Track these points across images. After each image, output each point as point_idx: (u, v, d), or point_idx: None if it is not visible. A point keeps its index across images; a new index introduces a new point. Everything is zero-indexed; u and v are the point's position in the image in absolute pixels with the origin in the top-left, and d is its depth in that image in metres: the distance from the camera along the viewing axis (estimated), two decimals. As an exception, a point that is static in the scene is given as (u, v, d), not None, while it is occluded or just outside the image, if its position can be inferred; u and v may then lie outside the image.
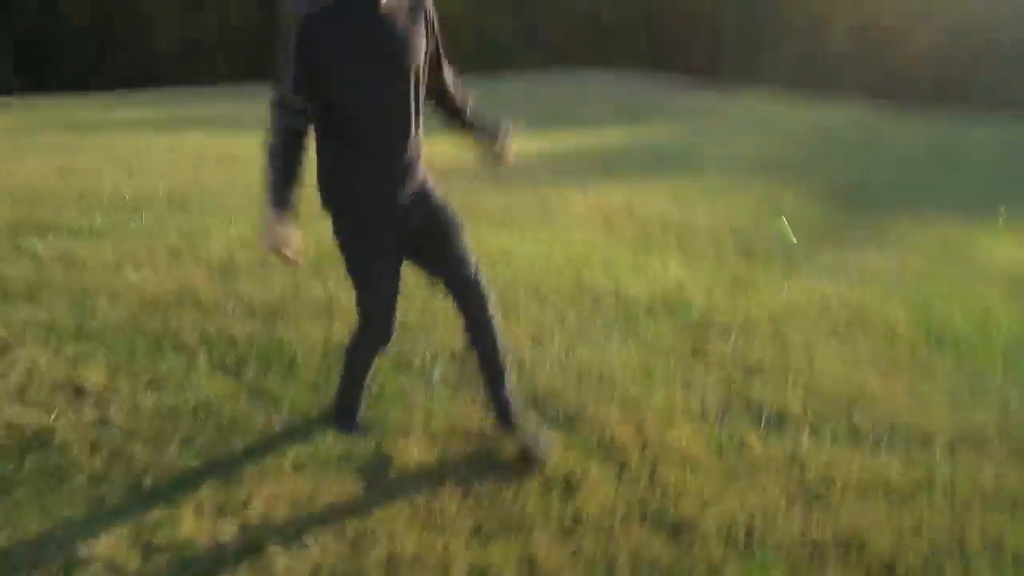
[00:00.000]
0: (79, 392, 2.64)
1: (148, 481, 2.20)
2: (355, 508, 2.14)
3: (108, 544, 1.91)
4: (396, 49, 1.97)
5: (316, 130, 2.03)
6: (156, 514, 2.04)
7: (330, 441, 2.44)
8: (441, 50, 2.16)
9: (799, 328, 3.90)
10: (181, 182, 6.75)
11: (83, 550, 1.88)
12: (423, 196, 2.16)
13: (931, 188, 8.53)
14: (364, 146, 2.03)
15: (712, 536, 2.15)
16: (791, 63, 36.75)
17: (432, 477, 2.32)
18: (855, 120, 16.22)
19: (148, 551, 1.91)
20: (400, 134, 2.05)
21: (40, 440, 2.36)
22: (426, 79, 2.09)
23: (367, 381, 2.48)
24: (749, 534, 2.18)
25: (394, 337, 2.31)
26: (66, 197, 5.90)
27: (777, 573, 2.04)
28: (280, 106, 1.92)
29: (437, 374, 2.98)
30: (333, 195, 2.11)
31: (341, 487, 2.22)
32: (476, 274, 2.24)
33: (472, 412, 2.67)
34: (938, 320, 4.15)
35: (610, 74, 27.97)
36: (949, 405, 3.12)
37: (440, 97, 2.24)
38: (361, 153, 2.03)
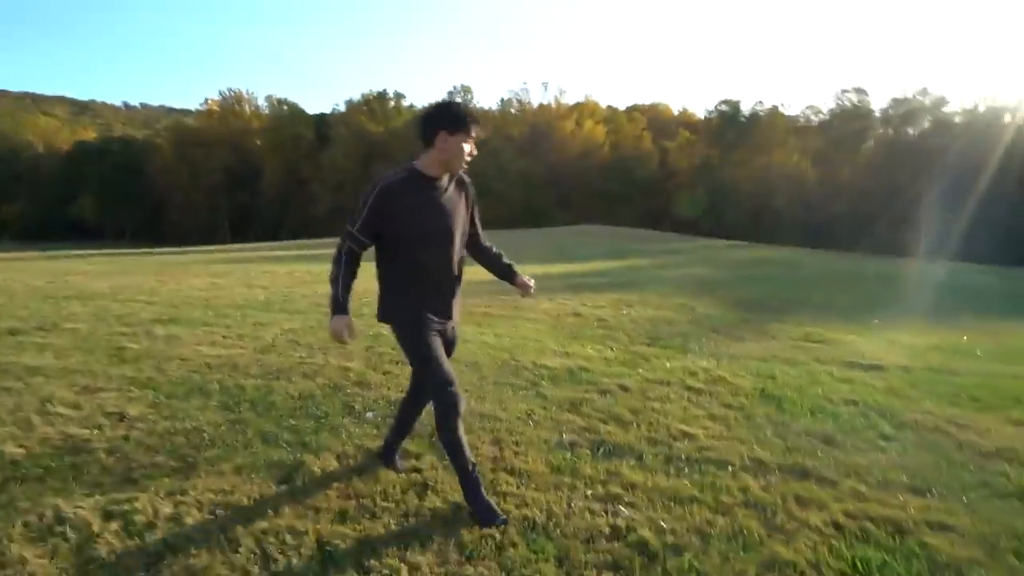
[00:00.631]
0: (121, 418, 2.83)
1: (135, 475, 2.32)
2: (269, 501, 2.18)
3: (84, 510, 2.03)
4: (445, 213, 2.04)
5: (380, 264, 2.07)
6: (122, 496, 2.14)
7: (256, 450, 2.51)
8: (477, 218, 2.23)
9: (664, 390, 3.80)
10: (277, 293, 7.24)
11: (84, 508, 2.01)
12: (453, 321, 2.23)
13: (817, 302, 8.27)
14: (420, 278, 2.05)
15: (515, 524, 2.09)
16: (746, 219, 37.27)
17: (324, 480, 2.35)
18: (780, 257, 16.10)
19: (131, 525, 2.00)
20: (449, 276, 2.12)
21: (83, 447, 2.53)
22: (465, 237, 2.17)
23: (468, 454, 2.12)
24: (544, 525, 2.10)
25: (464, 400, 2.12)
26: (199, 302, 6.40)
27: (550, 550, 1.95)
28: (349, 236, 1.98)
29: (370, 415, 3.03)
30: (392, 311, 2.09)
31: (255, 488, 2.28)
32: None
33: (379, 440, 2.71)
34: (772, 385, 3.98)
35: (612, 228, 28.86)
36: (751, 442, 2.96)
37: (478, 251, 2.32)
38: (418, 282, 2.04)
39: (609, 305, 7.17)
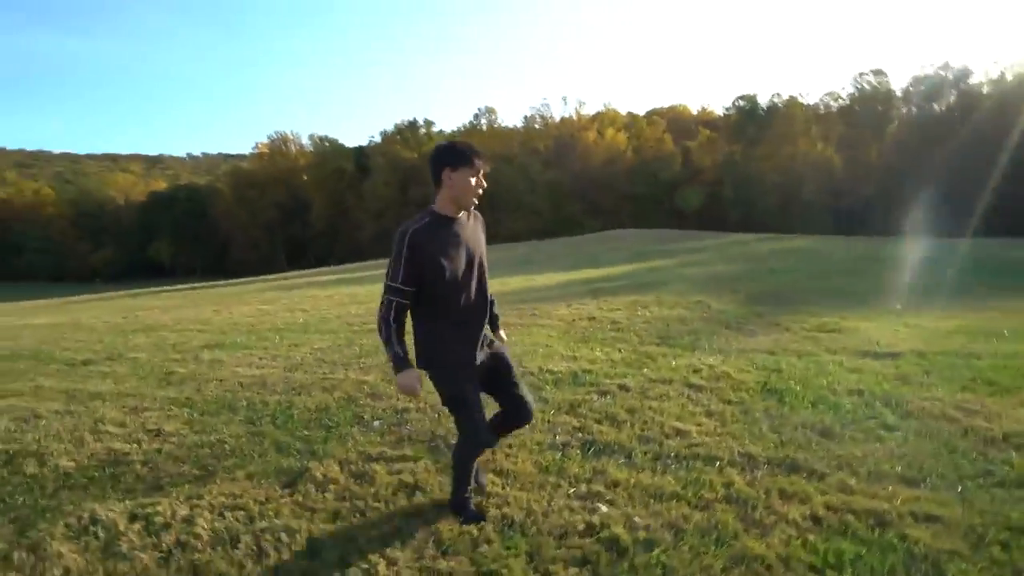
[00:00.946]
0: (158, 434, 3.05)
1: (163, 482, 2.51)
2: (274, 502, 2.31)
3: (114, 513, 2.21)
4: (470, 249, 2.01)
5: (413, 311, 2.01)
6: (148, 500, 2.32)
7: (266, 458, 2.66)
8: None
9: (664, 389, 3.73)
10: (316, 315, 7.55)
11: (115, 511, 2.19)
12: (488, 348, 2.14)
13: (837, 291, 7.90)
14: (454, 318, 1.99)
15: (494, 522, 2.13)
16: (775, 210, 35.85)
17: (324, 484, 2.45)
18: (804, 247, 15.37)
19: (151, 526, 2.17)
20: (479, 307, 2.06)
21: (122, 459, 2.76)
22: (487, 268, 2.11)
23: (473, 479, 2.24)
24: (521, 523, 2.13)
25: (494, 437, 2.16)
26: (243, 328, 6.76)
27: (523, 546, 1.98)
28: (393, 291, 1.92)
29: (377, 424, 3.13)
30: (430, 356, 2.03)
31: (262, 492, 2.41)
32: (529, 398, 2.23)
33: (384, 448, 2.82)
34: (776, 378, 3.83)
35: (639, 231, 28.41)
36: (743, 438, 2.87)
37: None
38: (454, 320, 1.99)
39: (624, 307, 7.08)
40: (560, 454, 2.73)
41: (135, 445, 2.90)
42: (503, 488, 2.39)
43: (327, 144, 58.59)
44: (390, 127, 55.76)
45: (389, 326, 1.91)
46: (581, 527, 2.09)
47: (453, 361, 1.96)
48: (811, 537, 2.00)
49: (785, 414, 3.20)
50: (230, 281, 24.37)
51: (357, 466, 2.61)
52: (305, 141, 60.37)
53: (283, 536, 2.04)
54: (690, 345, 4.98)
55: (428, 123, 54.89)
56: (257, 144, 61.59)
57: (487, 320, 2.11)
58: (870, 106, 36.45)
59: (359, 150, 56.61)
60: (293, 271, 31.01)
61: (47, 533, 2.11)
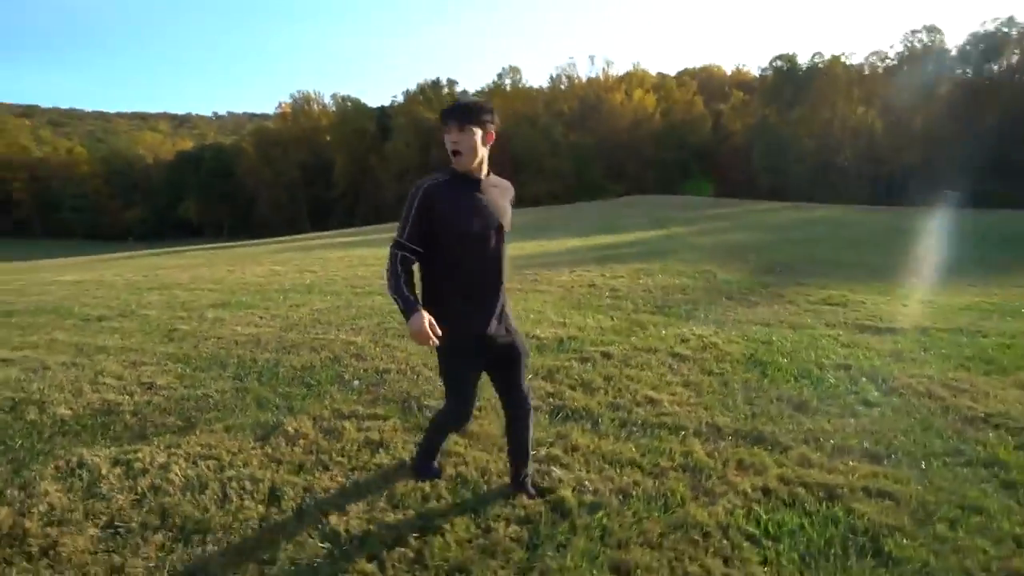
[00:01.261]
0: (150, 387, 3.22)
1: (148, 432, 2.67)
2: (252, 452, 2.44)
3: (99, 458, 2.37)
4: (490, 214, 1.89)
5: (423, 273, 1.93)
6: (131, 448, 2.48)
7: (245, 413, 2.78)
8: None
9: (647, 357, 3.73)
10: (323, 277, 7.69)
11: (100, 457, 2.35)
12: (507, 329, 2.00)
13: (853, 263, 7.62)
14: (464, 286, 1.90)
15: (448, 481, 2.21)
16: (809, 177, 34.33)
17: (294, 438, 2.57)
18: (829, 217, 14.76)
19: (130, 471, 2.33)
20: (492, 279, 1.94)
21: (114, 409, 2.93)
22: (506, 238, 1.97)
23: (442, 445, 2.29)
24: (474, 482, 2.22)
25: (471, 420, 2.16)
26: (253, 288, 6.94)
27: (470, 503, 2.06)
28: (399, 245, 1.85)
29: (356, 383, 3.24)
30: (436, 322, 1.82)
31: (235, 444, 2.54)
32: (527, 392, 2.12)
33: (358, 406, 2.92)
34: (764, 351, 3.78)
35: (661, 197, 27.71)
36: (715, 408, 2.88)
37: None
38: (461, 291, 1.90)
39: (628, 275, 7.00)
40: (527, 419, 2.78)
41: (128, 397, 3.08)
42: (465, 448, 2.47)
43: (349, 104, 58.20)
44: (412, 87, 54.87)
45: (396, 276, 1.82)
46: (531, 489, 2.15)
47: (460, 332, 1.86)
48: (756, 507, 2.02)
49: (764, 387, 3.18)
50: (252, 241, 24.92)
51: (329, 422, 2.72)
52: (328, 100, 60.05)
53: (247, 484, 2.16)
54: (685, 315, 4.93)
55: (451, 82, 53.76)
56: (280, 103, 61.60)
57: (501, 292, 1.97)
58: (920, 66, 33.94)
59: (381, 110, 56.08)
60: (315, 232, 31.48)
61: (38, 474, 2.29)
